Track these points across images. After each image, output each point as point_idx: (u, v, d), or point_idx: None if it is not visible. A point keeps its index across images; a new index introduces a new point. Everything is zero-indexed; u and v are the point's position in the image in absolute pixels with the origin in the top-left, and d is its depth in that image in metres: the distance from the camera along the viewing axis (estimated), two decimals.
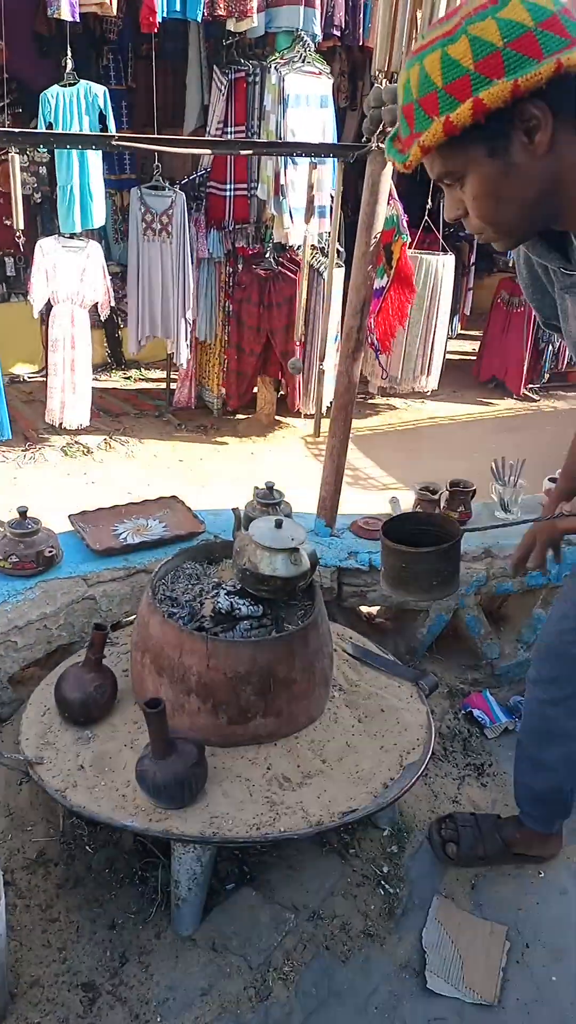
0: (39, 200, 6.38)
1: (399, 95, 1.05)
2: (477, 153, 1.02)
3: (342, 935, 1.76)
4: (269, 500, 2.30)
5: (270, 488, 2.30)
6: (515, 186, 1.04)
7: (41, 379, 6.23)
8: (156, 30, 4.32)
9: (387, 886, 1.87)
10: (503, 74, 0.94)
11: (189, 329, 5.19)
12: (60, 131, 4.03)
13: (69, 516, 2.33)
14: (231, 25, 4.46)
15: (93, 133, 4.19)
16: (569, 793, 1.84)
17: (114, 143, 1.59)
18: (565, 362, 6.72)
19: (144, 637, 1.82)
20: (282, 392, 5.78)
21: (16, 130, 1.73)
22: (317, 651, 1.83)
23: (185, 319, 5.07)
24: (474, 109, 0.95)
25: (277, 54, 4.75)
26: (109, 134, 2.70)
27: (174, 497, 2.50)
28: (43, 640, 2.06)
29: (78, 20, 4.05)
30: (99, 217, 4.79)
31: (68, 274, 4.83)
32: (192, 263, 5.04)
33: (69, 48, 4.46)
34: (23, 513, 2.10)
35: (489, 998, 1.69)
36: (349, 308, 2.10)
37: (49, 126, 4.48)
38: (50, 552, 2.08)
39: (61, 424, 5.12)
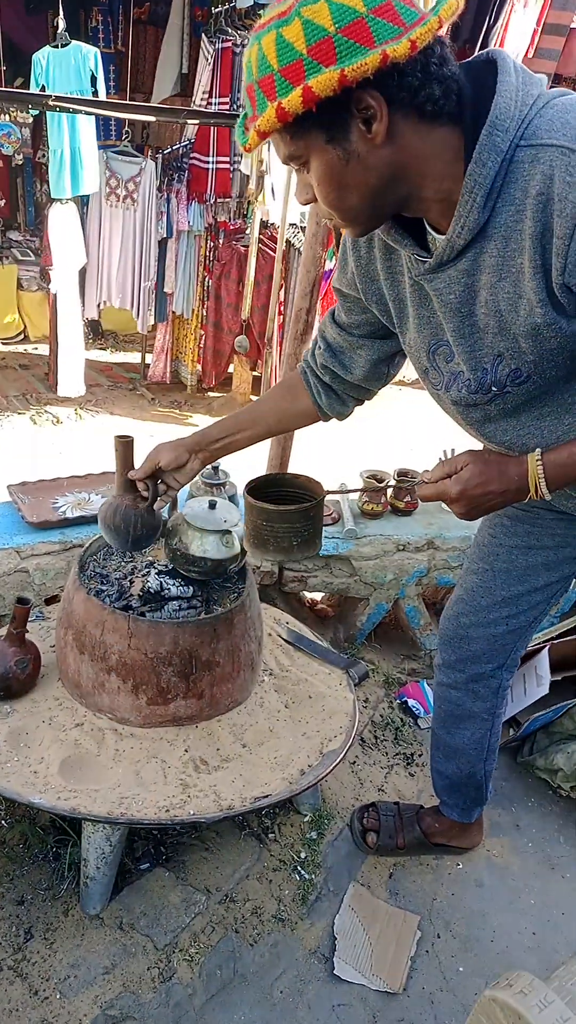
0: (21, 162, 6.27)
1: (243, 74, 1.02)
2: (317, 139, 1.01)
3: (253, 919, 1.76)
4: (213, 480, 2.27)
5: (215, 468, 2.27)
6: (356, 174, 1.03)
7: (15, 346, 6.16)
8: None
9: (303, 872, 1.87)
10: (334, 61, 0.92)
11: (151, 298, 5.15)
12: (28, 91, 3.91)
13: (8, 486, 2.29)
14: None
15: (23, 92, 4.06)
16: (483, 779, 1.85)
17: (51, 103, 1.54)
18: None
19: (68, 613, 1.79)
20: (257, 372, 5.74)
21: None
22: (243, 634, 1.81)
23: (146, 289, 5.03)
24: (304, 97, 0.93)
25: (265, 11, 4.65)
26: (47, 94, 2.63)
27: None
28: None
29: None
30: (91, 183, 4.69)
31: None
32: (156, 234, 4.98)
33: (61, 7, 4.35)
34: None
35: (395, 986, 1.70)
36: (298, 289, 2.07)
37: (42, 88, 4.38)
38: None
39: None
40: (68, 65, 4.39)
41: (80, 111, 1.57)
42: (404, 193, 1.07)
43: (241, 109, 1.07)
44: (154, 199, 4.84)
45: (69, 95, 3.16)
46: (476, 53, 1.09)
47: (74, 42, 4.40)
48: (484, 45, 5.15)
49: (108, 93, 6.43)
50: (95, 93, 4.49)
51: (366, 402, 1.57)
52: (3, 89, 3.48)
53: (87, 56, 4.40)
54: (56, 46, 4.36)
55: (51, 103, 1.54)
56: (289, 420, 1.61)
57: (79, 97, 1.85)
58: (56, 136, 4.51)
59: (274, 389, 1.62)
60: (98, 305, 5.16)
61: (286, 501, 1.47)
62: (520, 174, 1.00)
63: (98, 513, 1.69)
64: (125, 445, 1.62)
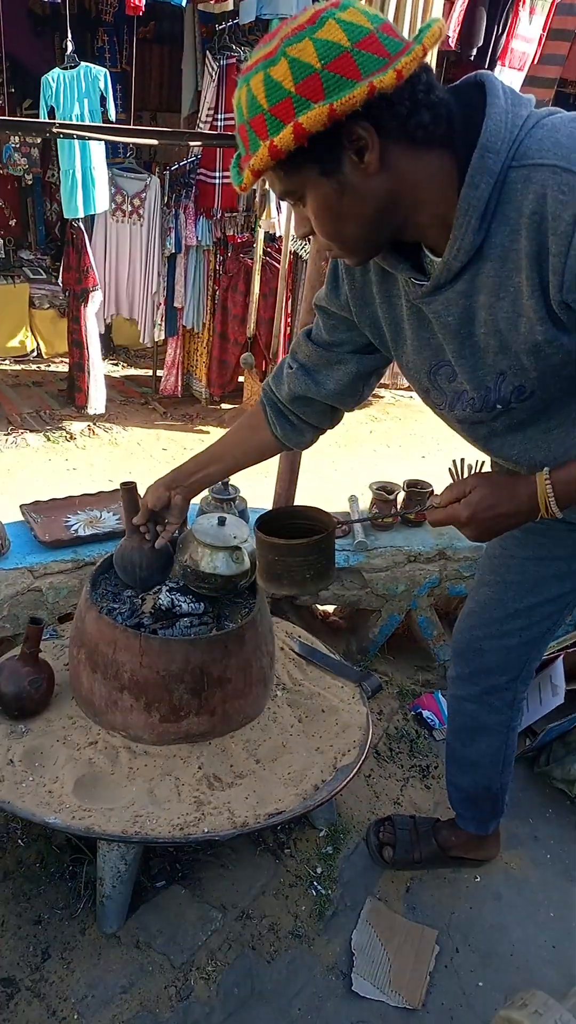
0: (30, 182, 6.35)
1: (235, 115, 1.03)
2: (311, 173, 1.01)
3: (270, 935, 1.76)
4: (223, 495, 2.28)
5: (225, 483, 2.28)
6: (352, 204, 1.03)
7: (29, 364, 6.23)
8: (141, 13, 4.27)
9: (319, 887, 1.87)
10: (323, 96, 0.93)
11: (158, 312, 5.21)
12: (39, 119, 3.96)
13: (21, 506, 2.31)
14: (207, 7, 4.40)
15: (28, 120, 4.11)
16: (499, 792, 1.84)
17: (55, 130, 1.57)
18: None
19: (80, 632, 1.81)
20: None
21: None
22: (255, 650, 1.82)
23: (153, 301, 5.08)
24: (295, 133, 0.94)
25: (252, 53, 4.69)
26: (51, 122, 2.66)
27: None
28: None
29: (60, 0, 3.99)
30: (102, 202, 4.74)
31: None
32: (161, 247, 5.06)
33: (69, 30, 4.41)
34: None
35: (414, 1002, 1.69)
36: (304, 305, 2.08)
37: (51, 110, 4.43)
38: None
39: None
40: (77, 87, 4.44)
41: (83, 137, 1.59)
42: (400, 219, 1.08)
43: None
44: (159, 214, 4.90)
45: (75, 120, 3.21)
46: (471, 72, 1.10)
47: (83, 63, 4.45)
48: (493, 54, 5.16)
49: (116, 113, 6.52)
50: (105, 113, 4.54)
51: (328, 430, 1.58)
52: (6, 119, 3.51)
53: (96, 77, 4.45)
54: (65, 67, 4.41)
55: (55, 130, 1.56)
56: (253, 452, 1.61)
57: (81, 123, 1.87)
58: (67, 157, 4.55)
59: (239, 422, 1.63)
60: (107, 319, 5.22)
61: (298, 534, 1.46)
62: (514, 195, 1.00)
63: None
64: (128, 491, 1.71)
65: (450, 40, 4.83)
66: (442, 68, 5.71)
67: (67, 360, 5.48)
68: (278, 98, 0.95)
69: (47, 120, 3.56)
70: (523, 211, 1.00)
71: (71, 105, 4.45)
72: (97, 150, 4.61)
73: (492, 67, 5.19)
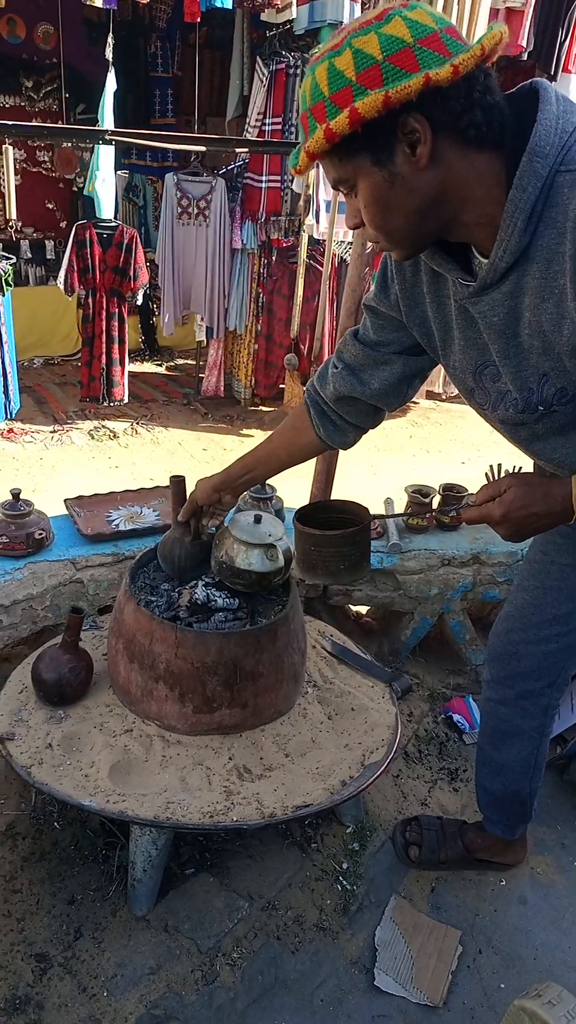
0: (82, 185, 6.48)
1: (300, 104, 1.08)
2: (364, 162, 1.05)
3: (295, 927, 1.79)
4: (260, 494, 2.33)
5: (262, 483, 2.32)
6: (401, 196, 1.07)
7: (76, 362, 6.36)
8: (198, 20, 4.34)
9: (345, 882, 1.89)
10: (380, 85, 0.97)
11: (225, 310, 5.34)
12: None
13: (65, 500, 2.39)
14: (269, 16, 4.46)
15: (80, 127, 4.25)
16: (528, 796, 1.85)
17: (107, 137, 1.63)
18: None
19: (119, 622, 1.86)
20: None
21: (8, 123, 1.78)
22: (286, 646, 1.85)
23: (222, 302, 5.20)
24: (351, 118, 0.99)
25: (320, 47, 4.74)
26: (103, 129, 2.74)
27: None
28: (28, 620, 2.12)
29: (115, 7, 4.09)
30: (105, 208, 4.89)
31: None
32: (230, 247, 5.16)
33: (111, 33, 4.51)
34: (16, 495, 2.16)
35: (435, 999, 1.71)
36: (344, 309, 2.11)
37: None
38: (40, 535, 2.14)
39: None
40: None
41: (134, 143, 1.65)
42: (447, 216, 1.11)
43: (293, 128, 1.13)
44: (227, 214, 5.04)
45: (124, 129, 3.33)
46: (532, 77, 1.12)
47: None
48: (557, 59, 5.15)
49: (167, 116, 6.64)
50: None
51: (370, 431, 1.62)
52: (60, 126, 3.61)
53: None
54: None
55: (108, 137, 1.63)
56: (298, 453, 1.68)
57: (133, 131, 1.93)
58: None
59: (283, 424, 1.69)
60: (183, 318, 5.49)
61: (335, 527, 1.52)
62: (560, 198, 1.03)
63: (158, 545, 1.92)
64: (178, 483, 1.83)
65: (523, 43, 4.83)
66: (502, 73, 5.71)
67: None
68: (339, 86, 0.99)
69: (100, 128, 3.67)
70: (569, 215, 1.02)
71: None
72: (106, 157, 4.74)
73: (557, 73, 5.18)
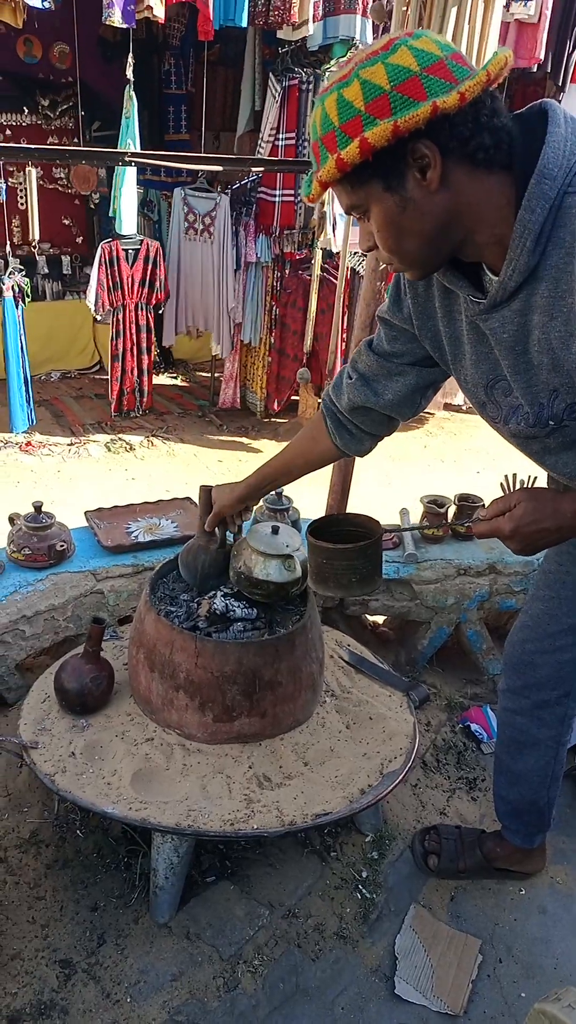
0: (98, 201, 6.58)
1: (309, 133, 1.12)
2: (375, 188, 1.08)
3: (315, 935, 1.81)
4: (277, 505, 2.35)
5: (279, 493, 2.35)
6: (413, 219, 1.09)
7: (93, 374, 6.44)
8: (212, 38, 4.41)
9: (364, 891, 1.90)
10: (389, 114, 1.00)
11: (233, 327, 5.36)
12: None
13: (85, 512, 2.42)
14: (285, 34, 4.53)
15: (101, 149, 4.34)
16: (546, 806, 1.85)
17: (127, 159, 1.67)
18: None
19: (140, 632, 1.89)
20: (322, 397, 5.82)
21: (9, 145, 1.82)
22: (304, 656, 1.87)
23: (229, 316, 5.24)
24: (361, 147, 1.02)
25: (332, 62, 4.80)
26: (123, 151, 2.79)
27: (188, 498, 2.58)
28: (51, 630, 2.16)
29: (133, 25, 4.16)
30: (128, 225, 4.95)
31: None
32: (233, 264, 5.20)
33: (131, 52, 4.58)
34: (38, 508, 2.20)
35: (456, 1008, 1.71)
36: (358, 322, 2.14)
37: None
38: (61, 546, 2.17)
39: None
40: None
41: (152, 165, 1.69)
42: (459, 238, 1.13)
43: (306, 143, 1.17)
44: (229, 230, 5.09)
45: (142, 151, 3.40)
46: (545, 85, 1.15)
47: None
48: (566, 70, 5.19)
49: (180, 132, 6.72)
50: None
51: (385, 438, 1.66)
52: (82, 149, 3.69)
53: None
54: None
55: (127, 159, 1.66)
56: (315, 461, 1.73)
57: (150, 152, 1.97)
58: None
59: (301, 433, 1.73)
60: (188, 331, 5.56)
61: (347, 540, 1.54)
62: (569, 219, 1.05)
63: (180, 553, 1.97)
64: (207, 492, 1.87)
65: (539, 56, 4.87)
66: (513, 84, 5.76)
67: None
68: (349, 116, 1.03)
69: (119, 150, 3.74)
70: None
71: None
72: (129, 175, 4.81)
73: (565, 84, 5.22)
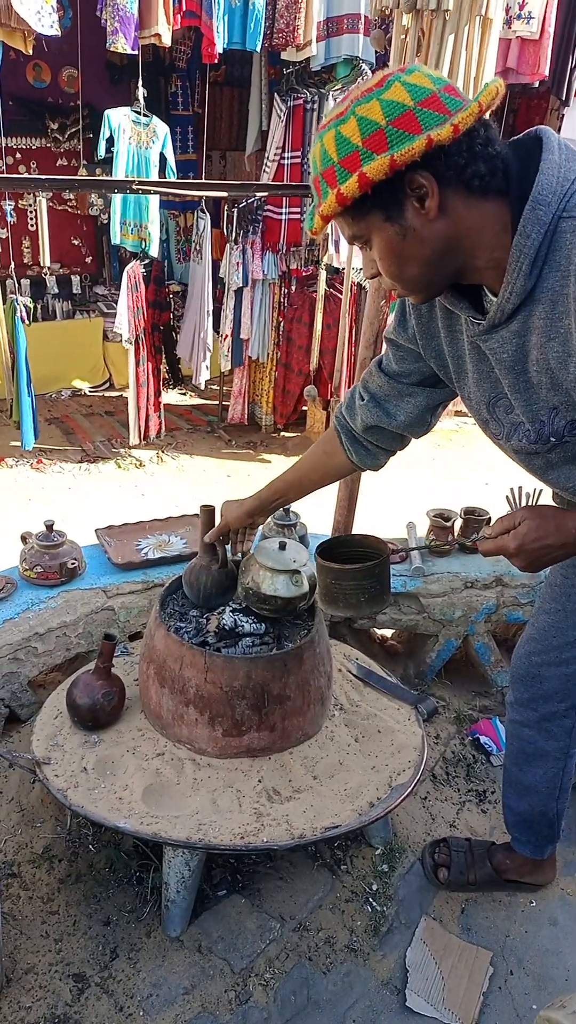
0: (105, 221, 6.66)
1: (311, 168, 1.15)
2: (376, 219, 1.12)
3: (326, 948, 1.82)
4: (284, 521, 2.38)
5: (286, 509, 2.38)
6: (414, 247, 1.13)
7: (102, 393, 6.50)
8: (216, 61, 4.49)
9: (375, 904, 1.92)
10: (386, 149, 1.04)
11: (206, 351, 5.42)
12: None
13: (96, 530, 2.46)
14: (290, 55, 4.60)
15: (111, 180, 4.42)
16: (555, 817, 1.86)
17: (133, 187, 1.72)
18: None
19: (150, 648, 1.92)
20: (330, 411, 5.86)
21: (22, 176, 1.87)
22: (312, 670, 1.90)
23: (203, 342, 5.31)
24: (360, 182, 1.05)
25: (336, 82, 4.88)
26: (130, 180, 2.85)
27: (197, 514, 2.60)
28: (63, 647, 2.19)
29: (136, 52, 4.24)
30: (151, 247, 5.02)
31: None
32: (213, 285, 5.28)
33: (141, 77, 4.67)
34: (49, 527, 2.23)
35: (467, 1020, 1.72)
36: (362, 340, 2.17)
37: (109, 140, 4.72)
38: (72, 564, 2.21)
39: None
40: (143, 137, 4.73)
41: (159, 192, 1.73)
42: (459, 262, 1.17)
43: (308, 170, 1.20)
44: (210, 252, 5.15)
45: (147, 178, 3.46)
46: (548, 102, 1.19)
47: (154, 118, 4.71)
48: (569, 85, 5.24)
49: (188, 152, 6.82)
50: (163, 167, 4.80)
51: (399, 452, 1.68)
52: (91, 179, 3.76)
53: (163, 139, 4.71)
54: (137, 113, 4.67)
55: (135, 187, 1.71)
56: (330, 475, 1.75)
57: (158, 180, 2.02)
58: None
59: (312, 449, 1.75)
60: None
61: (355, 560, 1.57)
62: (564, 243, 1.08)
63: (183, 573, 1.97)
64: (207, 513, 1.88)
65: (544, 72, 4.93)
66: (517, 100, 5.81)
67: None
68: (347, 151, 1.07)
69: (127, 179, 3.81)
70: (572, 259, 1.07)
71: (134, 155, 4.72)
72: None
73: (568, 98, 5.27)
